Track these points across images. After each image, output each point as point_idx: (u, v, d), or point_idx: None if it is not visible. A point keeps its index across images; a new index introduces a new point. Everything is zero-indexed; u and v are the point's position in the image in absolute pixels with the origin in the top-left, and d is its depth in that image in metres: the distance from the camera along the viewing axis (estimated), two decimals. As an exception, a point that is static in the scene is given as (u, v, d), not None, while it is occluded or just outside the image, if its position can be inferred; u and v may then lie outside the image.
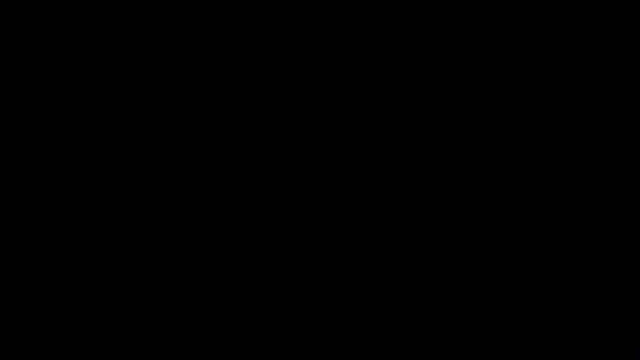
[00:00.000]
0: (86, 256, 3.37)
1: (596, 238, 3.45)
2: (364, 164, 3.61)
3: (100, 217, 3.39)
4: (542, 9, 3.56)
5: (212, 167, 3.50)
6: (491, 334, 3.47)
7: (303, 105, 3.57)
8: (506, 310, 3.46)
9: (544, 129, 3.56)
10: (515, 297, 3.44)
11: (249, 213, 3.53)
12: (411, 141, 3.63)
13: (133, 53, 3.41)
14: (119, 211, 3.41)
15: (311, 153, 3.59)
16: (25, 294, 3.30)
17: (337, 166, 3.60)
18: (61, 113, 3.36)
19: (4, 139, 3.30)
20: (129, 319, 3.37)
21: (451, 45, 3.61)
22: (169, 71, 3.45)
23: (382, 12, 3.59)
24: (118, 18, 3.39)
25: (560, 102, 3.56)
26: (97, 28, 3.37)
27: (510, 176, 3.57)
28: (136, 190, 3.43)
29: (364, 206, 3.61)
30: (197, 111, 3.49)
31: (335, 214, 3.59)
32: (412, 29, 3.60)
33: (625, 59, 3.48)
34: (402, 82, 3.62)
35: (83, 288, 3.35)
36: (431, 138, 3.62)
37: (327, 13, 3.56)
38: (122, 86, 3.41)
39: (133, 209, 3.42)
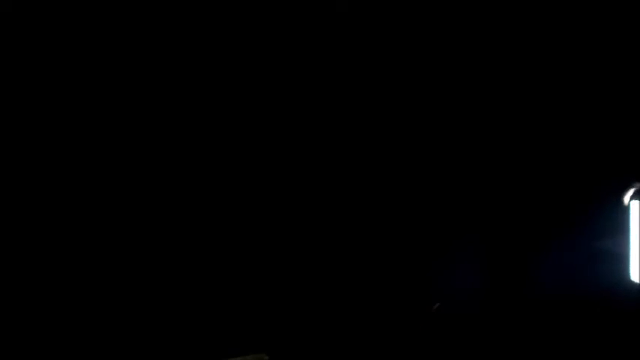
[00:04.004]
0: (86, 255, 3.35)
1: None
2: (363, 163, 3.60)
3: (99, 216, 3.38)
4: (541, 9, 3.56)
5: (212, 167, 3.48)
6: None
7: (303, 103, 3.56)
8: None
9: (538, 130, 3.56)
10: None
11: (249, 213, 3.51)
12: (409, 140, 3.62)
13: (133, 53, 3.40)
14: (118, 210, 3.39)
15: (311, 152, 3.57)
16: (25, 294, 3.28)
17: (337, 166, 3.59)
18: (61, 112, 3.35)
19: (4, 138, 3.28)
20: (128, 318, 3.35)
21: (450, 44, 3.61)
22: (169, 71, 3.44)
23: (382, 12, 3.59)
24: (117, 18, 3.37)
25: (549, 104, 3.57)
26: (97, 28, 3.36)
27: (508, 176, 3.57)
28: (134, 189, 3.42)
29: (362, 205, 3.60)
30: (197, 111, 3.48)
31: (334, 213, 3.57)
32: (411, 29, 3.60)
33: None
34: (401, 81, 3.61)
35: (82, 287, 3.33)
36: (428, 137, 3.62)
37: (327, 13, 3.55)
38: (121, 86, 3.40)
39: (131, 209, 3.40)
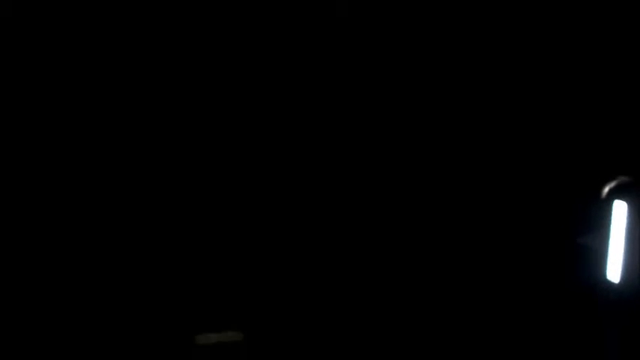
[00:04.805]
0: (85, 256, 3.40)
1: None
2: (363, 164, 3.56)
3: (99, 217, 3.43)
4: (540, 9, 3.48)
5: (211, 167, 3.50)
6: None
7: (304, 107, 3.55)
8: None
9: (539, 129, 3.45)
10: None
11: (249, 213, 3.50)
12: (408, 141, 3.56)
13: (132, 56, 3.47)
14: (118, 211, 3.43)
15: (311, 153, 3.55)
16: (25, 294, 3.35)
17: (336, 167, 3.55)
18: (60, 114, 3.43)
19: (4, 138, 3.39)
20: (128, 318, 3.37)
21: (450, 47, 3.56)
22: (169, 73, 3.48)
23: (382, 16, 3.56)
24: (117, 22, 3.46)
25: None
26: (96, 31, 3.45)
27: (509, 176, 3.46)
28: (135, 190, 3.46)
29: (362, 205, 3.54)
30: (197, 112, 3.51)
31: (334, 214, 3.53)
32: (411, 33, 3.56)
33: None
34: (401, 84, 3.57)
35: (82, 288, 3.38)
36: (427, 138, 3.55)
37: (327, 17, 3.55)
38: (121, 88, 3.47)
39: (131, 209, 3.44)
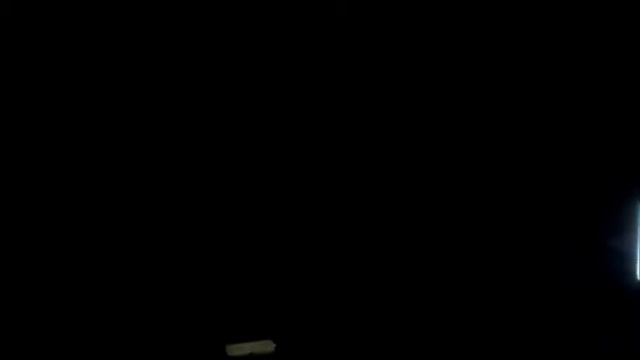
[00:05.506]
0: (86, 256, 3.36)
1: None
2: (363, 164, 3.58)
3: (99, 217, 3.40)
4: (539, 10, 3.53)
5: (211, 167, 3.49)
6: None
7: (304, 106, 3.57)
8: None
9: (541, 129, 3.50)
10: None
11: (249, 213, 3.50)
12: (408, 141, 3.60)
13: (132, 57, 3.44)
14: (119, 211, 3.41)
15: (311, 153, 3.57)
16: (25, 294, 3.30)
17: (336, 166, 3.57)
18: (60, 114, 3.39)
19: (5, 139, 3.33)
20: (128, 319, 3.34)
21: (449, 48, 3.60)
22: (169, 73, 3.46)
23: (381, 16, 3.59)
24: (116, 22, 3.42)
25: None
26: (96, 32, 3.41)
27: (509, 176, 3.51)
28: (135, 190, 3.43)
29: (362, 205, 3.57)
30: (198, 113, 3.49)
31: (334, 214, 3.55)
32: (411, 33, 3.59)
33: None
34: (401, 84, 3.61)
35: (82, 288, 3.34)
36: (426, 139, 3.59)
37: (327, 17, 3.57)
38: (120, 89, 3.43)
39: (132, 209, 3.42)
